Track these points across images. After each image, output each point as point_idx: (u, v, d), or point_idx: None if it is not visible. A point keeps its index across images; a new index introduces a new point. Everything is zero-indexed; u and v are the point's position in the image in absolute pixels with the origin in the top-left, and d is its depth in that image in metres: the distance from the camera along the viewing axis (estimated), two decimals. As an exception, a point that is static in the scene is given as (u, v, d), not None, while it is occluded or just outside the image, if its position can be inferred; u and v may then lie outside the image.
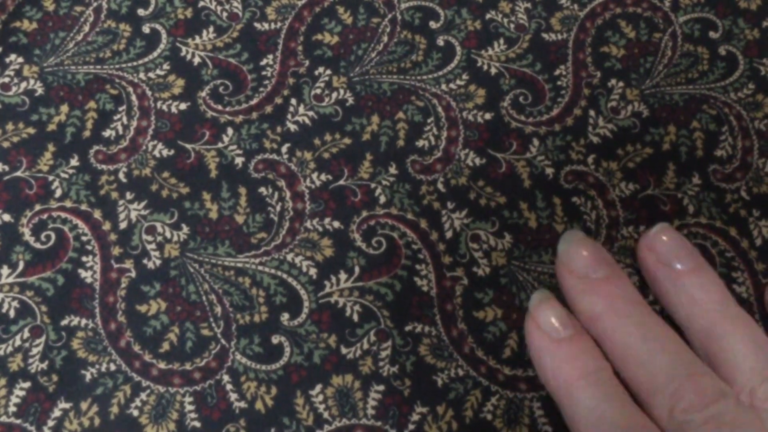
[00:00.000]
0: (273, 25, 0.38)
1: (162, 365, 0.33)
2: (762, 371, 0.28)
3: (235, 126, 0.36)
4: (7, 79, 0.37)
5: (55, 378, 0.32)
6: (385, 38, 0.38)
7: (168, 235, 0.34)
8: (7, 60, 0.37)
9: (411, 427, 0.32)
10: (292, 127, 0.36)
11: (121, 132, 0.36)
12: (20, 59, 0.37)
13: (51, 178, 0.35)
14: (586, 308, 0.30)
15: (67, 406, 0.32)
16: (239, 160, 0.35)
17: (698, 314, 0.30)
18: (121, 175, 0.35)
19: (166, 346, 0.33)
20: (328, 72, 0.37)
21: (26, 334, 0.33)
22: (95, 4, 0.38)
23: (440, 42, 0.37)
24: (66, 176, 0.35)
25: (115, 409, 0.32)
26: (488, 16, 0.38)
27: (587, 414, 0.28)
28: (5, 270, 0.34)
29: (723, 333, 0.29)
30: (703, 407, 0.26)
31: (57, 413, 0.32)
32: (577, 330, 0.30)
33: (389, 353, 0.33)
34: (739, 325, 0.29)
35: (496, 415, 0.32)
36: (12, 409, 0.32)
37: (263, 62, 0.37)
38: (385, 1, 0.38)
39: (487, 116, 0.36)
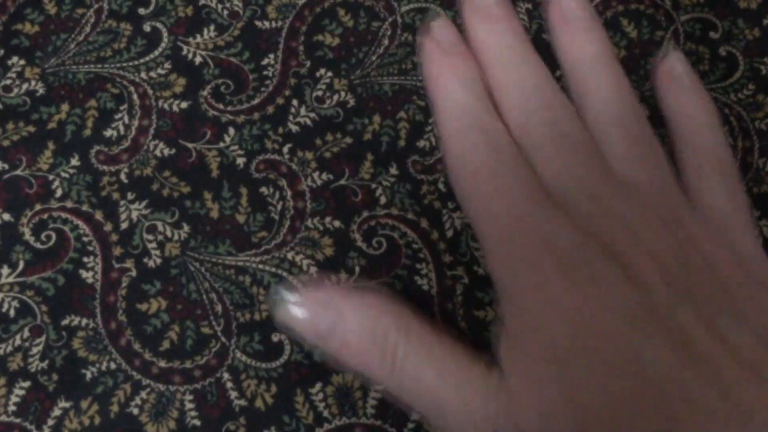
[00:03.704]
0: (274, 24, 0.38)
1: (162, 363, 0.33)
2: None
3: (236, 126, 0.36)
4: (8, 81, 0.37)
5: (55, 377, 0.32)
6: (386, 41, 0.38)
7: (169, 234, 0.34)
8: (9, 62, 0.37)
9: (411, 425, 0.32)
10: (294, 128, 0.36)
11: (122, 132, 0.36)
12: (22, 61, 0.37)
13: (51, 177, 0.35)
14: (480, 36, 0.30)
15: (67, 405, 0.32)
16: (240, 161, 0.35)
17: (580, 63, 0.29)
18: (122, 176, 0.35)
19: (166, 344, 0.33)
20: (330, 74, 0.37)
21: (26, 334, 0.33)
22: (96, 6, 0.38)
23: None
24: (67, 176, 0.35)
25: (115, 408, 0.32)
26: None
27: (452, 105, 0.28)
28: (5, 270, 0.34)
29: (588, 70, 0.29)
30: (544, 110, 0.26)
31: (57, 412, 0.32)
32: (466, 51, 0.30)
33: (389, 353, 0.33)
34: (605, 73, 0.29)
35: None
36: (12, 408, 0.32)
37: (264, 62, 0.37)
38: (386, 5, 0.38)
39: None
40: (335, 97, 0.37)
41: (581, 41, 0.29)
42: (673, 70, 0.31)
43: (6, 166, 0.35)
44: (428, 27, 0.30)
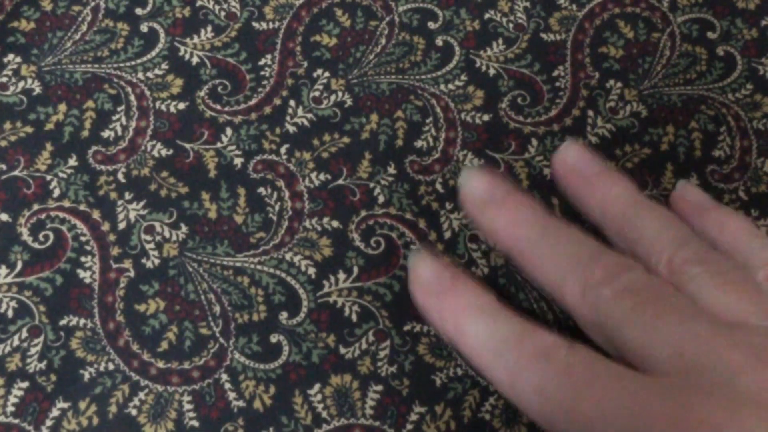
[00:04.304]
0: (271, 25, 0.38)
1: (160, 364, 0.33)
2: (676, 239, 0.28)
3: (234, 126, 0.36)
4: (5, 79, 0.37)
5: (53, 377, 0.32)
6: (383, 41, 0.38)
7: (167, 234, 0.34)
8: (5, 60, 0.37)
9: (409, 426, 0.32)
10: (291, 129, 0.36)
11: (120, 133, 0.36)
12: (18, 59, 0.37)
13: (49, 177, 0.35)
14: (487, 225, 0.30)
15: (65, 405, 0.32)
16: (238, 161, 0.35)
17: (611, 204, 0.30)
18: (120, 176, 0.35)
19: (164, 345, 0.33)
20: (327, 74, 0.37)
21: (24, 334, 0.33)
22: (93, 4, 0.38)
23: (439, 42, 0.38)
24: (64, 176, 0.35)
25: (113, 409, 0.32)
26: (487, 15, 0.38)
27: (477, 341, 0.28)
28: (3, 270, 0.34)
29: (636, 214, 0.29)
30: (612, 280, 0.26)
31: (55, 413, 0.32)
32: (453, 275, 0.29)
33: (388, 353, 0.33)
34: (650, 207, 0.29)
35: (494, 415, 0.32)
36: (10, 408, 0.32)
37: (262, 62, 0.37)
38: (383, 4, 0.38)
39: (486, 117, 0.36)
40: (332, 98, 0.37)
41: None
42: (689, 195, 0.32)
43: (4, 167, 0.35)
44: (409, 273, 0.30)
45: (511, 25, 0.38)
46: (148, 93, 0.37)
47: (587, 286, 0.26)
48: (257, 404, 0.32)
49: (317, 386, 0.32)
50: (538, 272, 0.28)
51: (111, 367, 0.33)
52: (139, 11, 0.38)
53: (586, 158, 0.31)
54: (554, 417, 0.25)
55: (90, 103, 0.36)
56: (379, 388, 0.32)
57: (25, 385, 0.32)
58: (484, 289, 0.29)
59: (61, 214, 0.35)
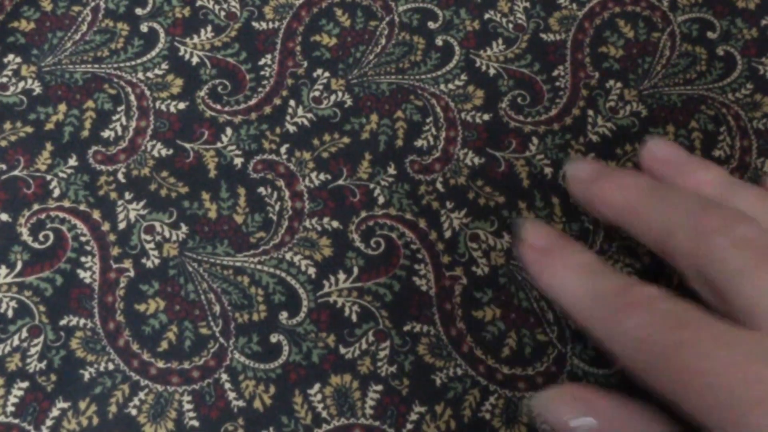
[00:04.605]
0: (271, 25, 0.38)
1: (160, 364, 0.33)
2: None
3: (234, 126, 0.36)
4: (5, 79, 0.37)
5: (53, 377, 0.32)
6: (383, 40, 0.38)
7: (167, 234, 0.34)
8: (5, 60, 0.37)
9: (409, 426, 0.32)
10: (291, 129, 0.36)
11: (120, 133, 0.36)
12: (18, 59, 0.37)
13: (49, 177, 0.35)
14: (597, 194, 0.31)
15: (65, 405, 0.32)
16: (238, 161, 0.35)
17: (708, 186, 0.30)
18: (120, 176, 0.35)
19: (164, 345, 0.33)
20: (327, 74, 0.37)
21: (24, 334, 0.33)
22: (93, 4, 0.38)
23: (439, 42, 0.38)
24: (64, 176, 0.35)
25: (113, 409, 0.32)
26: (487, 15, 0.38)
27: (579, 293, 0.28)
28: (3, 270, 0.34)
29: (733, 194, 0.29)
30: (728, 230, 0.26)
31: (55, 413, 0.32)
32: (563, 239, 0.31)
33: (387, 353, 0.33)
34: (746, 187, 0.30)
35: (494, 414, 0.32)
36: (10, 408, 0.32)
37: (261, 62, 0.37)
38: (383, 4, 0.38)
39: (486, 117, 0.36)
40: (332, 98, 0.37)
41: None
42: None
43: (4, 167, 0.35)
44: (520, 236, 0.32)
45: (510, 25, 0.38)
46: (148, 93, 0.37)
47: (701, 234, 0.26)
48: (257, 404, 0.32)
49: (317, 386, 0.32)
50: (646, 227, 0.29)
51: (111, 367, 0.33)
52: (139, 11, 0.38)
53: (675, 149, 0.32)
54: (651, 365, 0.25)
55: (90, 103, 0.36)
56: (379, 388, 0.32)
57: (25, 385, 0.32)
58: (587, 251, 0.31)
59: (61, 214, 0.35)
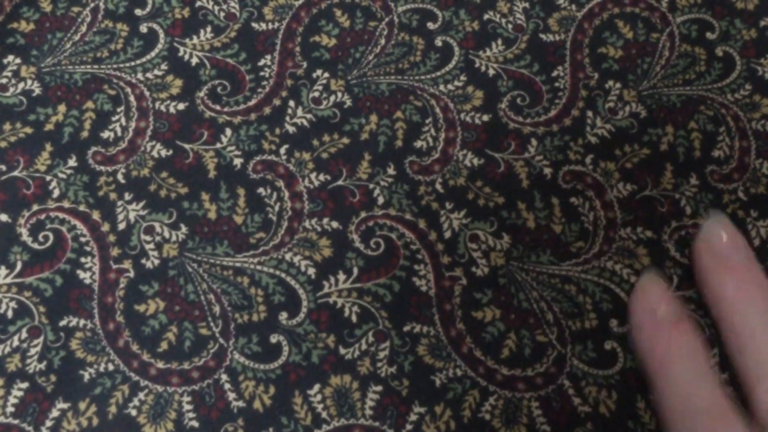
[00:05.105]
0: (270, 26, 0.38)
1: (160, 365, 0.33)
2: None
3: (233, 127, 0.36)
4: (4, 80, 0.37)
5: (53, 378, 0.32)
6: (383, 41, 0.38)
7: (166, 235, 0.34)
8: (5, 61, 0.37)
9: (409, 427, 0.32)
10: (291, 129, 0.36)
11: (119, 134, 0.36)
12: (18, 60, 0.37)
13: (49, 178, 0.35)
14: (716, 287, 0.30)
15: (65, 406, 0.32)
16: (238, 161, 0.35)
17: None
18: (119, 176, 0.35)
19: (164, 345, 0.33)
20: (326, 75, 0.37)
21: (24, 335, 0.33)
22: (92, 5, 0.38)
23: (438, 43, 0.38)
24: (64, 177, 0.35)
25: (113, 409, 0.32)
26: (486, 16, 0.38)
27: (677, 392, 0.28)
28: (3, 270, 0.34)
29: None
30: None
31: (55, 413, 0.32)
32: (681, 315, 0.30)
33: (387, 354, 0.33)
34: None
35: (494, 415, 0.32)
36: (10, 409, 0.32)
37: (261, 63, 0.37)
38: (383, 5, 0.38)
39: (485, 118, 0.36)
40: (332, 98, 0.37)
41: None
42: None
43: (3, 167, 0.35)
44: (637, 289, 0.30)
45: (510, 26, 0.38)
46: (147, 94, 0.37)
47: None
48: (257, 404, 0.32)
49: (317, 386, 0.32)
50: (741, 357, 0.28)
51: (111, 367, 0.33)
52: (138, 12, 0.38)
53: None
54: None
55: (89, 104, 0.36)
56: (379, 388, 0.32)
57: (24, 385, 0.32)
58: (698, 342, 0.29)
59: (61, 215, 0.35)
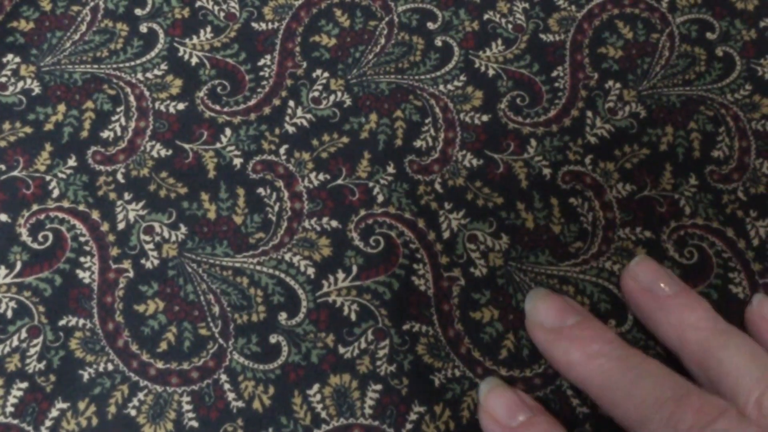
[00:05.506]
0: (270, 26, 0.38)
1: (160, 365, 0.33)
2: (765, 377, 0.27)
3: (233, 127, 0.36)
4: (4, 79, 0.37)
5: (52, 378, 0.32)
6: (383, 40, 0.38)
7: (166, 235, 0.34)
8: (4, 60, 0.37)
9: (409, 426, 0.32)
10: (290, 129, 0.36)
11: (119, 133, 0.36)
12: (17, 59, 0.37)
13: (48, 177, 0.35)
14: (560, 357, 0.30)
15: (64, 406, 0.32)
16: (237, 161, 0.35)
17: (690, 332, 0.29)
18: (119, 176, 0.35)
19: (163, 345, 0.33)
20: (326, 74, 0.37)
21: (24, 335, 0.33)
22: (92, 4, 0.38)
23: (438, 42, 0.38)
24: (63, 176, 0.35)
25: (112, 409, 0.32)
26: (486, 16, 0.38)
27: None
28: (2, 270, 0.34)
29: (718, 346, 0.28)
30: (705, 427, 0.25)
31: (54, 413, 0.32)
32: (530, 413, 0.30)
33: (387, 352, 0.33)
34: (732, 336, 0.29)
35: (493, 415, 0.32)
36: (9, 409, 0.32)
37: (261, 62, 0.37)
38: (383, 4, 0.38)
39: (485, 118, 0.36)
40: (332, 98, 0.37)
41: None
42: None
43: (3, 167, 0.35)
44: (480, 402, 0.31)
45: (510, 26, 0.38)
46: (147, 93, 0.37)
47: (674, 429, 0.26)
48: (256, 404, 0.32)
49: (316, 386, 0.32)
50: (617, 410, 0.28)
51: (110, 367, 0.33)
52: (138, 11, 0.38)
53: (659, 275, 0.31)
54: None
55: (89, 104, 0.36)
56: (379, 387, 0.32)
57: (24, 385, 0.32)
58: None
59: (61, 215, 0.35)
